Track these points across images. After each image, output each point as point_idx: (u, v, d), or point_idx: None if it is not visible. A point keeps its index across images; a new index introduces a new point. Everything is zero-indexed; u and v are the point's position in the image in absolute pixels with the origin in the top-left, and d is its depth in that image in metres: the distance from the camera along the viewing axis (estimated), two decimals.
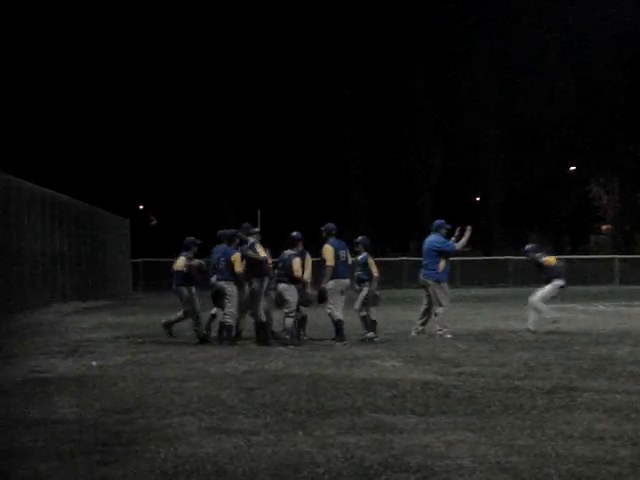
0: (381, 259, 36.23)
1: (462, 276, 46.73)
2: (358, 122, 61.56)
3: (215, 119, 59.87)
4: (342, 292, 16.02)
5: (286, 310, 15.54)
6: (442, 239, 17.11)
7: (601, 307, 26.57)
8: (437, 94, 60.59)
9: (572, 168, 64.52)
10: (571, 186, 63.35)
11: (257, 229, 16.92)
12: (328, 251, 15.95)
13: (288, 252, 15.81)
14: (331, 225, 16.42)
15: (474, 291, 39.99)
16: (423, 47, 60.13)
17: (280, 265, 15.78)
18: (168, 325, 17.14)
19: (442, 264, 16.86)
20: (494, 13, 58.33)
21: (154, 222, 65.28)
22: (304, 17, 58.32)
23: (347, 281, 16.12)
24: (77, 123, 56.44)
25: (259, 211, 31.34)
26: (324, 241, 16.21)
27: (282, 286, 15.60)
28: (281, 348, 14.87)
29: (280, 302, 15.75)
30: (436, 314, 16.74)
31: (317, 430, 7.89)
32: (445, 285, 16.93)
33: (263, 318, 15.81)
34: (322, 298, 15.97)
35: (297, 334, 15.99)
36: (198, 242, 17.16)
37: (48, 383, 11.03)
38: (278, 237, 16.82)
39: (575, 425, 8.03)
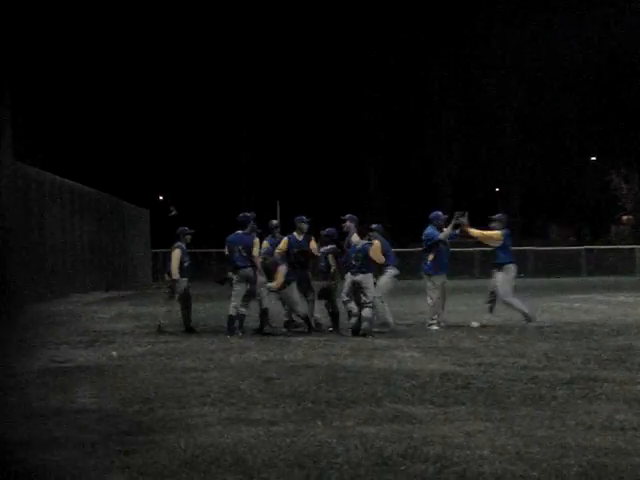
0: (402, 250, 36.17)
1: (481, 266, 46.59)
2: (377, 112, 61.50)
3: (235, 110, 59.92)
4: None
5: (366, 300, 15.48)
6: (431, 231, 17.03)
7: (621, 297, 26.44)
8: (457, 84, 60.44)
9: (593, 158, 64.23)
10: (592, 176, 63.07)
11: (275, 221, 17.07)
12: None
13: (359, 241, 15.75)
14: (353, 216, 16.47)
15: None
16: (443, 35, 59.94)
17: (353, 255, 15.59)
18: (187, 324, 16.97)
19: (430, 257, 16.81)
20: (513, 2, 58.20)
21: (174, 212, 65.40)
22: (323, 9, 58.25)
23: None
24: (98, 115, 56.62)
25: (278, 202, 31.38)
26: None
27: (360, 277, 15.48)
28: (300, 338, 14.89)
29: (354, 292, 15.67)
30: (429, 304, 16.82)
31: (336, 420, 7.90)
32: (437, 278, 16.82)
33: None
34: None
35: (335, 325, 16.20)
36: (191, 231, 17.21)
37: (68, 373, 11.08)
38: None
39: (595, 416, 8.00)
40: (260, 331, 15.96)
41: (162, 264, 45.21)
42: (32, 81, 47.79)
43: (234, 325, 15.64)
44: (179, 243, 16.96)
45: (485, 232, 17.20)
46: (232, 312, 15.70)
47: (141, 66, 57.61)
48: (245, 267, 15.76)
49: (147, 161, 59.62)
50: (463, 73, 60.09)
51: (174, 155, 60.17)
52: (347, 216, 16.41)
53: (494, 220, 17.31)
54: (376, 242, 15.86)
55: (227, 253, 16.21)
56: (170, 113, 58.72)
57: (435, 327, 16.32)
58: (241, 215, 16.33)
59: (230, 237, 16.10)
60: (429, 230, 17.06)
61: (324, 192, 59.67)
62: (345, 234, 16.13)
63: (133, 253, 40.04)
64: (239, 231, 16.03)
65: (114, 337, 15.50)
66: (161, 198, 68.15)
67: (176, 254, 16.81)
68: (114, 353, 13.09)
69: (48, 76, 52.41)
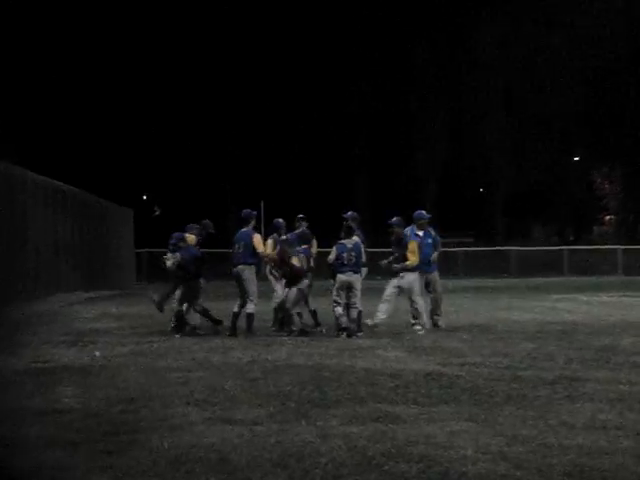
0: (385, 250, 36.16)
1: (465, 266, 46.77)
2: (362, 112, 61.53)
3: (217, 109, 59.84)
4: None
5: (355, 300, 15.46)
6: (408, 230, 16.88)
7: (604, 297, 26.57)
8: (443, 84, 60.53)
9: (576, 158, 64.46)
10: (575, 176, 63.30)
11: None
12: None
13: (348, 241, 15.72)
14: (355, 214, 16.43)
15: (477, 281, 39.99)
16: (428, 35, 60.00)
17: (345, 255, 15.52)
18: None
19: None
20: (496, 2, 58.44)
21: (158, 212, 65.31)
22: (306, 6, 58.25)
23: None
24: (81, 114, 56.44)
25: (262, 202, 31.34)
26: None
27: (352, 277, 15.44)
28: (284, 338, 14.91)
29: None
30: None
31: (320, 420, 7.91)
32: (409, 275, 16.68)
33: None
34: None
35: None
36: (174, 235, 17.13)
37: (52, 373, 11.05)
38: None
39: (578, 415, 8.04)
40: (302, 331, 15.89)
41: (146, 264, 45.21)
42: (14, 79, 47.64)
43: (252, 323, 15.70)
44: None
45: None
46: (252, 310, 15.75)
47: (124, 65, 57.44)
48: (238, 264, 15.78)
49: (131, 160, 59.47)
50: (449, 74, 60.16)
51: (158, 154, 60.04)
52: (348, 214, 16.35)
53: (392, 225, 16.50)
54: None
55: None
56: (154, 112, 58.57)
57: (418, 327, 16.30)
58: (244, 211, 16.36)
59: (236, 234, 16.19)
60: (407, 229, 16.88)
61: (309, 192, 59.66)
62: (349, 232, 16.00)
63: (116, 253, 39.91)
64: (243, 228, 16.09)
65: (97, 337, 15.47)
66: (145, 198, 68.05)
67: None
68: (97, 353, 13.06)
69: (31, 74, 52.24)
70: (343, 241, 15.64)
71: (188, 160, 60.15)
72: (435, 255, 17.19)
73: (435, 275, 17.10)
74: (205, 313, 16.48)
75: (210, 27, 58.03)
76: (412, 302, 16.00)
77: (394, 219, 16.55)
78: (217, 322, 16.41)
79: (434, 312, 16.89)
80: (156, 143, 59.31)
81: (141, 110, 58.27)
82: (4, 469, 6.53)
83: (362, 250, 15.80)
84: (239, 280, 15.86)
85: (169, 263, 16.52)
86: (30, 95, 52.01)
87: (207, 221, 17.35)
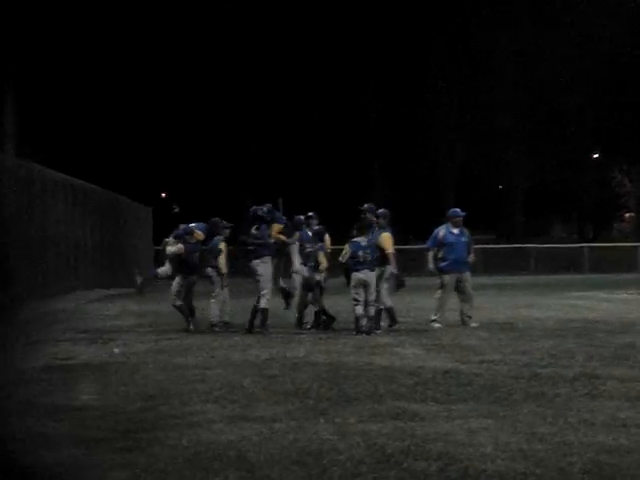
0: (404, 247, 36.16)
1: (485, 264, 46.63)
2: (380, 109, 61.47)
3: (235, 107, 59.90)
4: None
5: (372, 298, 15.47)
6: (438, 230, 16.90)
7: (624, 295, 26.45)
8: (459, 81, 60.35)
9: (596, 156, 64.18)
10: (595, 174, 63.06)
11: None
12: (387, 237, 15.85)
13: (362, 239, 15.68)
14: (386, 211, 16.34)
15: (496, 279, 39.88)
16: (445, 34, 59.87)
17: (360, 253, 15.52)
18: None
19: (439, 254, 16.76)
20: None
21: (176, 210, 65.44)
22: (328, 9, 58.20)
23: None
24: (101, 113, 56.61)
25: (281, 199, 31.32)
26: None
27: (367, 274, 15.45)
28: (302, 335, 14.91)
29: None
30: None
31: (338, 417, 7.89)
32: (445, 276, 16.73)
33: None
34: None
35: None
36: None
37: (71, 370, 11.09)
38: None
39: (598, 413, 8.00)
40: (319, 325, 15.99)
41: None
42: (36, 79, 47.83)
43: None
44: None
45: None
46: (266, 305, 15.75)
47: (144, 65, 57.58)
48: (252, 259, 15.81)
49: (150, 159, 59.65)
50: (465, 71, 59.95)
51: (177, 153, 60.19)
52: (380, 211, 16.31)
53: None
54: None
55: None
56: (173, 111, 58.72)
57: (437, 325, 16.29)
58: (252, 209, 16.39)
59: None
60: (439, 227, 16.94)
61: (327, 189, 59.66)
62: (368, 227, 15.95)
63: (135, 250, 40.05)
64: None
65: (117, 334, 15.52)
66: (164, 196, 68.21)
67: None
68: (116, 350, 13.10)
69: (52, 74, 52.41)
70: (357, 239, 15.53)
71: (206, 158, 60.28)
72: (472, 256, 17.14)
73: (467, 275, 17.01)
74: (181, 309, 16.51)
75: (229, 25, 58.07)
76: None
77: (366, 205, 16.43)
78: (188, 323, 16.44)
79: (464, 312, 16.76)
80: (175, 141, 59.47)
81: (161, 109, 58.41)
82: (24, 466, 6.54)
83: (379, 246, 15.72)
84: (254, 276, 15.86)
85: (170, 249, 16.62)
86: (51, 95, 52.20)
87: (217, 219, 17.29)
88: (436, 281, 17.23)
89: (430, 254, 16.90)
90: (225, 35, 58.15)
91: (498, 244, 54.09)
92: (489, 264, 46.50)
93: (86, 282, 30.45)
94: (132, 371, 10.86)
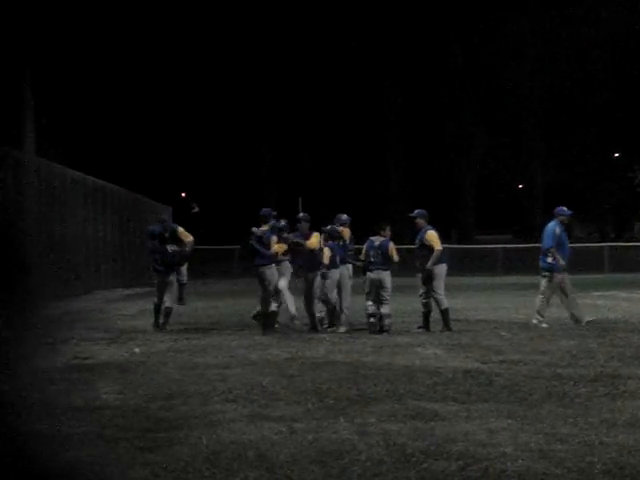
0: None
1: (504, 263, 46.52)
2: (399, 108, 61.39)
3: (256, 107, 59.98)
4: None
5: (386, 297, 15.50)
6: (552, 226, 16.82)
7: None
8: (479, 80, 60.23)
9: (616, 154, 63.90)
10: (615, 172, 62.75)
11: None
12: (434, 236, 15.79)
13: (377, 238, 15.70)
14: (425, 211, 16.30)
15: (515, 279, 39.74)
16: (465, 29, 59.69)
17: (372, 253, 15.57)
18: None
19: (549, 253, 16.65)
20: None
21: (196, 209, 65.53)
22: (345, 6, 58.16)
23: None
24: (121, 113, 56.78)
25: (300, 198, 31.29)
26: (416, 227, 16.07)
27: (380, 274, 15.49)
28: (322, 335, 14.91)
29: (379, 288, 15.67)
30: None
31: (358, 417, 7.89)
32: (558, 275, 16.64)
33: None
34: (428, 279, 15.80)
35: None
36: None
37: (91, 369, 11.13)
38: (318, 224, 16.62)
39: (619, 413, 7.96)
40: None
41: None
42: (55, 79, 47.98)
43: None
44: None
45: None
46: (273, 309, 15.83)
47: (164, 65, 57.71)
48: (259, 265, 15.83)
49: (169, 158, 59.77)
50: (485, 69, 59.82)
51: (196, 152, 60.30)
52: (416, 212, 16.31)
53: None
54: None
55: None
56: (192, 110, 58.84)
57: (545, 324, 16.15)
58: (264, 209, 16.38)
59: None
60: (550, 225, 16.87)
61: (346, 188, 59.64)
62: (417, 232, 15.99)
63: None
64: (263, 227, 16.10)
65: (136, 334, 15.55)
66: (183, 195, 68.32)
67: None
68: (136, 350, 13.13)
69: (72, 75, 52.60)
70: (372, 238, 15.67)
71: (226, 158, 60.35)
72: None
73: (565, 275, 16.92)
74: (156, 310, 16.53)
75: (250, 27, 58.10)
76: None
77: (417, 211, 16.35)
78: (157, 325, 16.46)
79: (574, 314, 16.57)
80: (195, 141, 59.59)
81: (181, 109, 58.54)
82: (45, 465, 6.57)
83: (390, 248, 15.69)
84: (260, 281, 15.86)
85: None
86: (70, 94, 52.40)
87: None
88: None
89: (554, 252, 16.64)
90: (243, 36, 58.19)
91: (516, 243, 53.88)
92: (508, 263, 46.38)
93: (106, 282, 30.55)
94: (152, 370, 10.89)
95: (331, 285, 15.95)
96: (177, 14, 57.35)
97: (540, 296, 16.58)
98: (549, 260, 16.57)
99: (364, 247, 15.75)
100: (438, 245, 15.73)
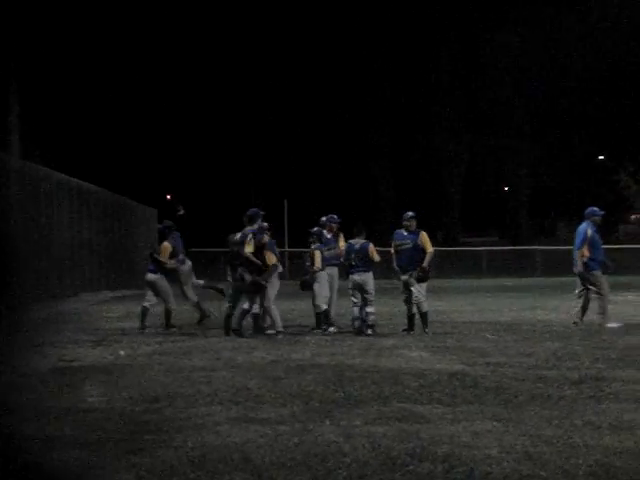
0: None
1: (489, 266, 46.64)
2: (385, 112, 61.47)
3: (241, 110, 59.96)
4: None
5: (371, 298, 15.52)
6: (585, 230, 16.81)
7: (630, 296, 26.40)
8: (465, 83, 60.38)
9: (601, 157, 64.15)
10: (600, 175, 63.00)
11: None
12: (427, 238, 15.79)
13: (357, 241, 15.74)
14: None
15: (501, 281, 39.86)
16: (451, 34, 59.85)
17: (353, 256, 15.62)
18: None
19: (585, 253, 16.64)
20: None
21: (181, 212, 65.44)
22: (331, 8, 58.21)
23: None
24: (105, 114, 56.69)
25: (286, 201, 31.36)
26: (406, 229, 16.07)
27: (362, 276, 15.50)
28: (307, 337, 14.92)
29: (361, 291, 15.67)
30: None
31: (344, 420, 7.89)
32: (597, 273, 16.62)
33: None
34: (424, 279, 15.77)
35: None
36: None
37: (76, 372, 11.10)
38: (304, 227, 16.67)
39: (603, 415, 7.99)
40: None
41: None
42: (39, 81, 47.88)
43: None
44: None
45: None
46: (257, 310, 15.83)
47: (148, 66, 57.66)
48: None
49: (155, 161, 59.71)
50: (471, 73, 59.98)
51: (181, 155, 60.26)
52: (413, 213, 16.34)
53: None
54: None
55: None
56: (177, 113, 58.80)
57: (615, 324, 16.07)
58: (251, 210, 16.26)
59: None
60: (582, 226, 16.86)
61: (332, 191, 59.69)
62: (409, 233, 16.04)
63: (141, 252, 40.05)
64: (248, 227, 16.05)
65: (122, 336, 15.53)
66: (169, 198, 68.21)
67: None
68: (122, 352, 13.10)
69: (55, 76, 52.48)
70: (351, 241, 15.75)
71: (212, 160, 60.33)
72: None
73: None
74: (144, 313, 16.52)
75: (234, 29, 58.10)
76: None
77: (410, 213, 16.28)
78: (142, 327, 16.49)
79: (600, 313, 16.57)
80: (180, 143, 59.54)
81: (166, 111, 58.48)
82: (30, 468, 6.55)
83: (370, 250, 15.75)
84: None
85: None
86: (54, 96, 52.27)
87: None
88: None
89: (578, 254, 16.65)
90: (227, 38, 58.20)
91: (502, 246, 54.07)
92: (493, 266, 46.50)
93: (92, 284, 30.48)
94: (137, 373, 10.87)
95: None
96: (163, 19, 57.28)
97: (597, 296, 16.46)
98: (580, 262, 16.57)
99: (344, 250, 15.88)
100: (431, 247, 15.77)
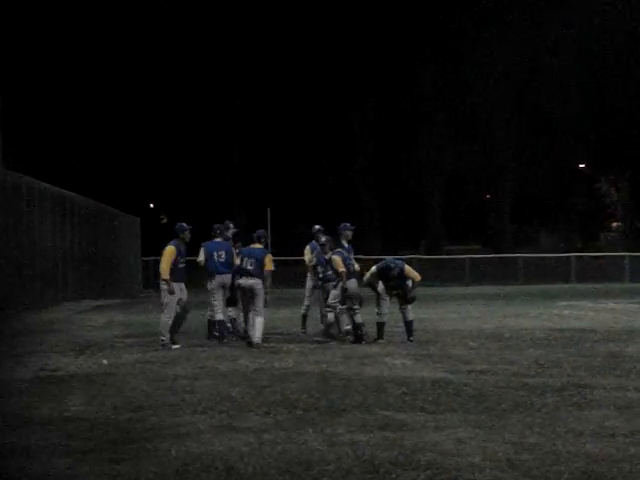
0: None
1: (471, 274, 46.71)
2: (369, 119, 61.54)
3: (224, 118, 59.95)
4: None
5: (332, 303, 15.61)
6: None
7: (611, 304, 26.52)
8: (447, 91, 60.50)
9: (582, 165, 64.44)
10: (582, 183, 63.29)
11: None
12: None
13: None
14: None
15: (484, 289, 39.95)
16: (434, 42, 59.97)
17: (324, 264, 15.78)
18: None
19: None
20: (504, 6, 58.35)
21: (164, 221, 65.36)
22: (312, 13, 58.24)
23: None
24: (88, 122, 56.57)
25: (269, 209, 31.35)
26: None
27: (350, 281, 15.63)
28: (291, 346, 14.90)
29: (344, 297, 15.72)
30: None
31: (327, 428, 7.90)
32: None
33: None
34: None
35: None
36: (188, 227, 16.76)
37: (59, 381, 11.07)
38: (287, 235, 16.69)
39: (586, 422, 8.03)
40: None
41: (153, 272, 45.21)
42: (22, 90, 47.77)
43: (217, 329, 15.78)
44: (173, 241, 15.68)
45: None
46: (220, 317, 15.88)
47: (131, 75, 57.55)
48: (224, 273, 15.85)
49: (138, 169, 59.60)
50: (454, 81, 60.09)
51: (165, 163, 60.16)
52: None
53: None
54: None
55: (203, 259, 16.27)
56: (160, 121, 58.69)
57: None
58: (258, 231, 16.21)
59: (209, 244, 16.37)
60: None
61: (314, 200, 59.75)
62: None
63: (124, 261, 39.96)
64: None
65: (105, 345, 15.47)
66: (152, 206, 68.12)
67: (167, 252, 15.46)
68: (105, 361, 13.07)
69: (37, 85, 52.38)
70: (340, 250, 15.97)
71: (195, 169, 60.28)
72: None
73: None
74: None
75: (215, 37, 58.06)
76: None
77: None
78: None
79: None
80: (163, 151, 59.45)
81: (148, 119, 58.41)
82: (13, 477, 6.53)
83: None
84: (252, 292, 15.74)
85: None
86: (37, 104, 52.16)
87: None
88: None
89: None
90: (208, 47, 58.14)
91: (484, 254, 54.20)
92: (476, 274, 46.59)
93: (74, 293, 30.37)
94: (120, 382, 10.85)
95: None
96: (144, 24, 57.20)
97: None
98: None
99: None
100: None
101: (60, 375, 11.68)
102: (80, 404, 9.37)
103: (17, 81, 46.94)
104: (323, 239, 16.43)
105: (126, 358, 13.46)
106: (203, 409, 8.89)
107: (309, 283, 17.32)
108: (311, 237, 17.36)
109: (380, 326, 15.55)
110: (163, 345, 14.77)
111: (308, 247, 17.39)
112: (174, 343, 15.01)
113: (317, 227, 17.28)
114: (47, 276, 27.09)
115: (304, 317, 17.29)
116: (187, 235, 15.89)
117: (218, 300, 16.00)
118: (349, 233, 16.56)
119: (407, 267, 15.74)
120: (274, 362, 12.57)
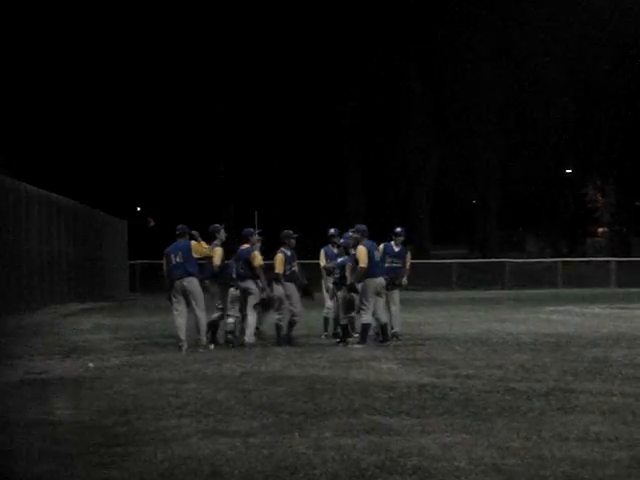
0: None
1: (458, 278, 46.81)
2: (355, 124, 61.59)
3: (212, 120, 59.91)
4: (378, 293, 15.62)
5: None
6: None
7: (596, 309, 26.59)
8: (435, 95, 60.60)
9: (568, 171, 64.61)
10: (568, 189, 63.45)
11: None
12: (362, 252, 15.54)
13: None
14: (363, 226, 16.18)
15: (470, 293, 40.01)
16: (420, 47, 60.08)
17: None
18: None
19: None
20: (493, 12, 58.43)
21: (152, 224, 65.28)
22: (299, 16, 58.26)
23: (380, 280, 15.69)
24: (75, 125, 56.47)
25: (256, 212, 31.23)
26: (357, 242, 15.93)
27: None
28: (278, 349, 14.89)
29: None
30: None
31: (313, 432, 7.90)
32: None
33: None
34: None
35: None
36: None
37: (45, 384, 11.04)
38: (276, 238, 16.59)
39: (571, 427, 8.04)
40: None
41: (140, 275, 45.13)
42: (8, 93, 47.66)
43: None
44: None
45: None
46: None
47: (119, 78, 57.49)
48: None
49: (125, 172, 59.49)
50: (441, 85, 60.19)
51: (152, 166, 60.08)
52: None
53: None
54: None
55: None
56: (147, 124, 58.62)
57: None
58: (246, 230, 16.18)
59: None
60: None
61: (303, 202, 59.75)
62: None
63: (110, 264, 39.89)
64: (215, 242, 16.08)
65: (91, 348, 15.44)
66: (139, 209, 68.04)
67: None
68: (91, 365, 13.03)
69: (24, 89, 52.24)
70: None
71: (182, 171, 60.21)
72: None
73: None
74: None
75: (204, 39, 58.07)
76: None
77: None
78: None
79: None
80: (150, 155, 59.37)
81: (135, 121, 58.34)
82: None
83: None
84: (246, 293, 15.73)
85: None
86: (24, 107, 52.02)
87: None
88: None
89: None
90: (195, 52, 58.14)
91: (471, 258, 54.32)
92: (463, 278, 46.68)
93: (61, 296, 30.31)
94: (107, 386, 10.82)
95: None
96: (132, 27, 57.14)
97: None
98: None
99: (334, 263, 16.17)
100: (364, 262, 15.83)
101: (46, 378, 11.64)
102: (66, 407, 9.35)
103: (2, 85, 46.85)
104: (342, 241, 16.43)
105: (112, 362, 13.43)
106: (189, 413, 8.87)
107: (326, 285, 17.22)
108: (317, 241, 17.35)
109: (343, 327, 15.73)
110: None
111: (322, 251, 17.32)
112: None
113: (332, 231, 17.23)
114: (33, 279, 27.03)
115: (326, 320, 17.17)
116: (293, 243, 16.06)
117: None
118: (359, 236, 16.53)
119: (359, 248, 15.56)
120: (261, 366, 12.56)
